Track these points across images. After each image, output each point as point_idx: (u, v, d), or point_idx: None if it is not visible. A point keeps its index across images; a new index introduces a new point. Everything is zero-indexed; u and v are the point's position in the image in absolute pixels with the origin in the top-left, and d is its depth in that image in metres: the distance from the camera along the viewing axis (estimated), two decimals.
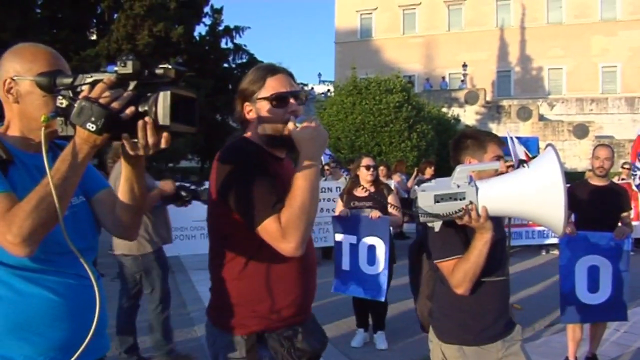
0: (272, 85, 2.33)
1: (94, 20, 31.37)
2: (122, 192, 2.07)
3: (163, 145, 1.76)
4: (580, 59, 46.64)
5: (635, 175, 13.81)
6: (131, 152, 1.80)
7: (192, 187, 5.62)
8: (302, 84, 59.13)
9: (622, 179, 14.26)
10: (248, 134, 2.41)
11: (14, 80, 1.97)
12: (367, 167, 6.54)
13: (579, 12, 47.18)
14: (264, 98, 2.32)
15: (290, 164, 2.51)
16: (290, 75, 2.42)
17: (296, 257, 2.21)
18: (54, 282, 1.96)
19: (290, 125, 2.22)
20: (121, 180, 2.05)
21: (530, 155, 15.40)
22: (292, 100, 2.33)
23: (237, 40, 33.34)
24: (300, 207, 2.12)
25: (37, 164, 1.95)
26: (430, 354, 3.16)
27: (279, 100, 2.31)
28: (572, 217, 5.85)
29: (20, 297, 1.90)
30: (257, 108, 2.35)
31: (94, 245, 2.18)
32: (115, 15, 29.08)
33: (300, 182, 2.15)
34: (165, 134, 1.73)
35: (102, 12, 30.14)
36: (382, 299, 6.28)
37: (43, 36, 22.02)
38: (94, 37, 30.54)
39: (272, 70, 2.39)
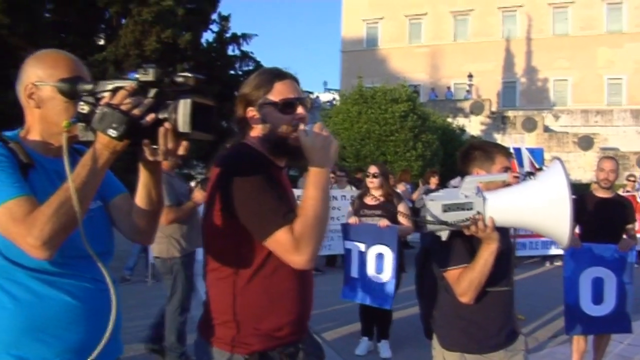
0: (280, 90, 2.24)
1: (102, 26, 31.40)
2: (139, 197, 2.10)
3: (181, 152, 1.78)
4: (585, 71, 46.58)
5: None
6: (150, 158, 1.82)
7: None
8: (307, 92, 58.99)
9: (627, 191, 14.27)
10: (248, 140, 2.30)
11: (35, 85, 2.01)
12: (369, 175, 6.63)
13: (585, 24, 47.17)
14: (271, 103, 2.23)
15: (286, 175, 2.44)
16: (297, 80, 2.33)
17: (298, 271, 2.15)
18: (71, 285, 1.98)
19: (300, 132, 2.13)
20: (139, 186, 2.08)
21: (537, 166, 15.43)
22: (299, 107, 2.25)
23: (244, 48, 33.34)
24: (314, 217, 2.03)
25: (56, 168, 1.98)
26: None
27: (287, 105, 2.23)
28: (577, 229, 5.87)
29: (38, 299, 1.93)
30: (262, 113, 2.24)
31: (110, 250, 2.20)
32: (123, 21, 29.13)
33: (312, 191, 2.07)
34: (184, 142, 1.77)
35: (110, 17, 30.18)
36: (389, 308, 6.30)
37: (51, 41, 22.08)
38: (101, 42, 30.56)
39: (280, 74, 2.29)
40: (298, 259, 2.04)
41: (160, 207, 2.16)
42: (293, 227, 2.03)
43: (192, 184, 5.80)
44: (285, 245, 2.03)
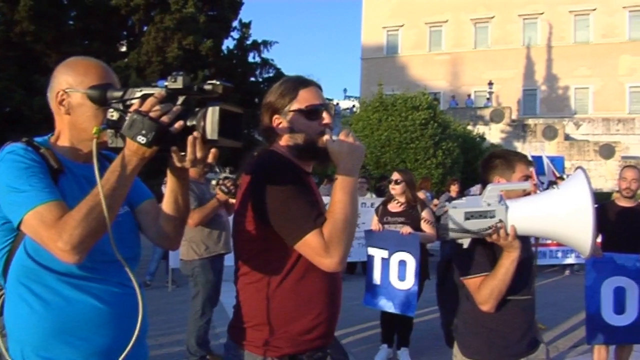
0: (305, 97, 2.28)
1: (125, 33, 31.70)
2: (167, 203, 2.13)
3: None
4: (607, 79, 46.24)
5: None
6: (178, 164, 1.86)
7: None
8: (327, 99, 58.96)
9: None
10: (276, 147, 2.33)
11: (66, 92, 2.04)
12: (391, 182, 6.66)
13: (607, 32, 46.84)
14: (297, 110, 2.27)
15: (313, 180, 2.47)
16: (320, 87, 2.38)
17: (327, 275, 2.19)
18: (99, 289, 2.01)
19: (327, 138, 2.19)
20: (166, 192, 2.12)
21: (557, 175, 15.34)
22: (325, 113, 2.30)
23: (265, 55, 33.48)
24: (343, 220, 2.08)
25: (85, 174, 2.02)
26: None
27: (313, 112, 2.27)
28: (599, 238, 5.84)
29: (67, 302, 1.96)
30: (289, 120, 2.28)
31: (137, 255, 2.22)
32: (146, 28, 29.38)
33: (340, 195, 2.12)
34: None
35: (132, 24, 30.44)
36: (412, 315, 6.30)
37: (75, 47, 22.33)
38: (124, 49, 30.85)
39: (304, 82, 2.34)
40: (328, 262, 2.08)
41: (187, 213, 2.20)
42: (323, 230, 2.07)
43: (213, 182, 5.85)
44: (316, 248, 2.07)
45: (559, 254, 12.69)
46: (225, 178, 5.72)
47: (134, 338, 1.88)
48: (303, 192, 2.18)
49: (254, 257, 2.28)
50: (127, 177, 1.82)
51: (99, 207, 1.76)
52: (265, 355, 2.24)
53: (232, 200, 6.13)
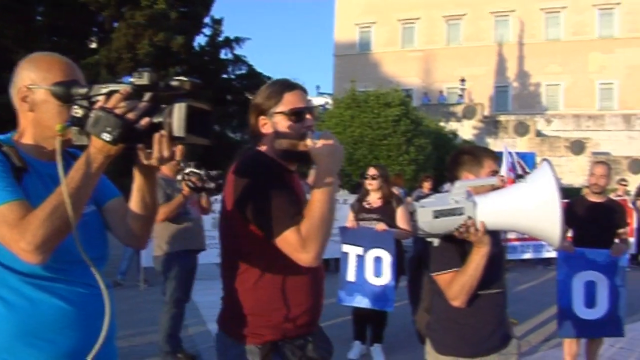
0: (290, 100, 2.39)
1: (95, 29, 31.32)
2: (134, 201, 2.09)
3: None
4: (577, 76, 46.78)
5: None
6: (145, 162, 1.83)
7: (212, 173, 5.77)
8: None
9: (618, 196, 14.35)
10: (263, 148, 2.45)
11: (29, 88, 1.99)
12: (367, 177, 6.64)
13: (577, 29, 47.38)
14: (281, 112, 2.38)
15: (298, 178, 2.57)
16: (305, 91, 2.48)
17: (309, 268, 2.25)
18: (64, 290, 1.96)
19: (309, 141, 2.26)
20: (133, 190, 2.08)
21: (528, 171, 15.48)
22: (308, 116, 2.40)
23: (237, 51, 33.33)
24: (320, 218, 2.16)
25: (50, 172, 1.97)
26: None
27: (296, 115, 2.37)
28: (570, 233, 5.89)
29: (31, 304, 1.91)
30: (273, 122, 2.39)
31: (104, 255, 2.18)
32: (116, 24, 29.08)
33: (320, 195, 2.19)
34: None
35: (102, 20, 30.08)
36: (390, 310, 6.32)
37: (43, 44, 22.08)
38: (94, 46, 30.49)
39: (290, 85, 2.45)
40: (304, 257, 2.17)
41: (155, 211, 2.18)
42: (300, 227, 2.17)
43: (179, 177, 5.79)
44: (294, 244, 2.17)
45: (530, 249, 12.81)
46: (191, 173, 5.68)
47: (100, 339, 1.84)
48: (283, 191, 2.28)
49: (237, 251, 2.41)
50: (92, 175, 1.78)
51: (63, 206, 1.72)
52: (249, 343, 2.37)
53: (203, 202, 6.09)
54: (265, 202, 2.23)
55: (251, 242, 2.32)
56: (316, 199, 2.20)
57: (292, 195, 2.31)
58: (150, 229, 2.24)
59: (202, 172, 5.71)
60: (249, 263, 2.37)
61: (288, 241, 2.18)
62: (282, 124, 2.38)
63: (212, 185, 5.74)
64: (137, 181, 2.04)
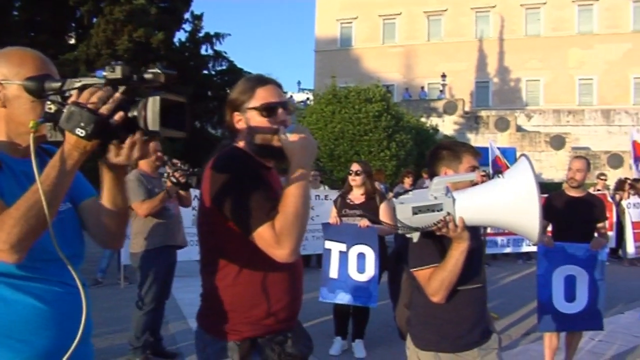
0: (262, 96, 2.36)
1: (73, 25, 31.09)
2: (105, 200, 2.05)
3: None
4: (557, 71, 47.13)
5: None
6: (114, 160, 1.81)
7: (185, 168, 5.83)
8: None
9: (598, 190, 14.45)
10: (239, 144, 2.43)
11: (1, 84, 1.95)
12: (350, 172, 6.61)
13: (557, 25, 47.72)
14: (254, 108, 2.36)
15: (276, 174, 2.56)
16: (279, 86, 2.46)
17: (287, 263, 2.23)
18: (40, 289, 1.93)
19: (281, 135, 2.25)
20: (103, 189, 2.03)
21: (508, 165, 15.58)
22: (281, 111, 2.37)
23: (217, 47, 33.26)
24: (294, 213, 2.15)
25: (24, 169, 1.92)
26: None
27: (268, 110, 2.35)
28: (550, 228, 5.92)
29: (5, 304, 1.87)
30: (246, 118, 2.38)
31: (81, 253, 2.14)
32: (95, 20, 28.88)
33: (293, 190, 2.17)
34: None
35: (81, 16, 29.87)
36: (374, 305, 6.32)
37: (20, 39, 21.83)
38: (72, 42, 30.29)
39: (262, 80, 2.43)
40: (279, 253, 2.16)
41: (126, 210, 2.13)
42: (275, 223, 2.15)
43: (163, 173, 5.82)
44: (268, 240, 2.15)
45: (510, 243, 12.88)
46: (175, 169, 5.70)
47: (77, 339, 1.81)
48: (260, 187, 2.26)
49: (215, 248, 2.40)
50: (67, 172, 1.74)
51: (38, 204, 1.69)
52: (228, 339, 2.36)
53: (183, 193, 6.07)
54: (242, 198, 2.21)
55: (229, 238, 2.31)
56: (290, 193, 2.18)
57: (269, 191, 2.28)
58: (124, 227, 2.20)
59: (185, 168, 5.74)
60: (227, 259, 2.36)
61: (263, 237, 2.16)
62: (255, 119, 2.36)
63: (194, 180, 5.77)
64: (106, 180, 1.99)
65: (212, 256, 2.42)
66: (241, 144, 2.43)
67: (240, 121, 2.40)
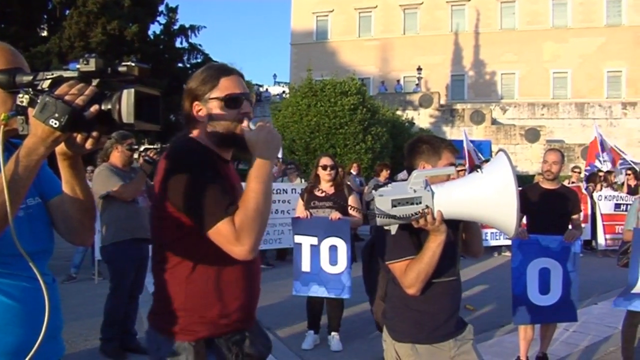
0: (226, 86, 2.30)
1: (45, 16, 30.68)
2: (67, 197, 2.01)
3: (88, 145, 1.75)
4: (532, 65, 47.50)
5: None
6: (72, 151, 1.79)
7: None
8: (257, 84, 58.77)
9: (572, 182, 14.60)
10: (195, 134, 2.36)
11: None
12: (324, 167, 6.54)
13: (531, 19, 48.08)
14: (217, 98, 2.29)
15: (234, 168, 2.49)
16: (242, 76, 2.40)
17: (244, 261, 2.17)
18: (7, 285, 1.89)
19: (244, 126, 2.21)
20: (63, 185, 1.99)
21: (483, 159, 15.68)
22: (245, 102, 2.32)
23: (192, 40, 33.10)
24: (255, 209, 2.08)
25: None
26: (384, 354, 3.20)
27: (232, 100, 2.29)
28: (524, 220, 5.95)
29: None
30: (208, 107, 2.30)
31: (49, 248, 2.11)
32: (67, 12, 28.52)
33: (254, 184, 2.12)
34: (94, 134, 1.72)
35: (53, 7, 29.50)
36: (348, 297, 6.34)
37: None
38: (44, 34, 29.89)
39: (226, 70, 2.36)
40: (238, 250, 2.08)
41: (90, 205, 2.09)
42: (234, 219, 2.08)
43: (135, 155, 5.84)
44: (227, 236, 2.07)
45: (487, 236, 12.94)
46: (146, 149, 5.76)
47: (41, 336, 1.76)
48: (216, 180, 2.18)
49: (169, 244, 2.30)
50: (32, 167, 1.70)
51: (0, 198, 1.65)
52: (182, 340, 2.27)
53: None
54: (197, 192, 2.13)
55: (182, 234, 2.23)
56: (251, 188, 2.11)
57: (226, 185, 2.21)
58: (92, 222, 2.15)
59: (157, 146, 5.76)
60: (180, 256, 2.27)
61: (221, 233, 2.08)
62: (218, 109, 2.29)
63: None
64: (63, 169, 1.94)
65: (164, 252, 2.32)
66: (197, 134, 2.35)
67: (200, 111, 2.32)
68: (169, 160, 2.27)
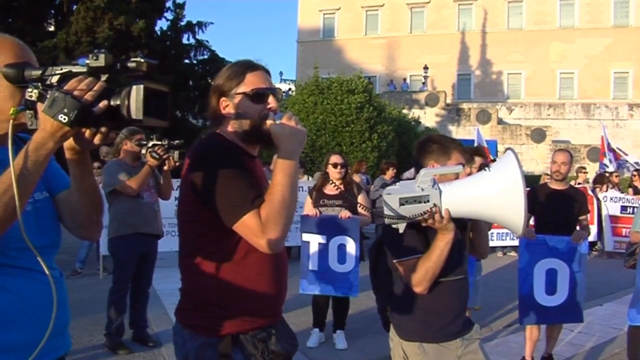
0: (252, 81, 2.32)
1: (52, 11, 30.65)
2: (75, 192, 2.00)
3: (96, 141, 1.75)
4: (538, 65, 47.43)
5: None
6: (78, 146, 1.78)
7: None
8: None
9: (578, 183, 14.56)
10: (222, 130, 2.37)
11: None
12: (335, 165, 6.48)
13: (539, 19, 47.99)
14: (243, 93, 2.30)
15: (260, 164, 2.51)
16: (268, 72, 2.41)
17: (271, 256, 2.19)
18: (13, 280, 1.88)
19: (270, 121, 2.21)
20: (71, 180, 1.98)
21: (491, 158, 15.65)
22: (271, 97, 2.33)
23: (199, 36, 32.97)
24: (281, 201, 2.09)
25: (1, 158, 1.86)
26: (391, 353, 3.20)
27: (258, 96, 2.30)
28: (532, 221, 5.93)
29: None
30: (234, 103, 2.32)
31: (57, 242, 2.09)
32: (75, 7, 28.49)
33: (280, 177, 2.13)
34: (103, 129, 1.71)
35: (61, 2, 29.45)
36: (355, 295, 6.34)
37: None
38: (51, 29, 29.85)
39: (252, 66, 2.38)
40: (264, 242, 2.09)
41: (98, 199, 2.08)
42: (260, 212, 2.10)
43: (143, 151, 5.84)
44: (253, 229, 2.10)
45: (494, 237, 12.90)
46: (154, 145, 5.74)
47: (47, 332, 1.76)
48: (242, 174, 2.20)
49: (196, 239, 2.32)
50: (40, 162, 1.69)
51: (9, 192, 1.64)
52: (207, 335, 2.28)
53: (165, 167, 6.04)
54: (223, 186, 2.15)
55: (210, 229, 2.24)
56: (277, 182, 2.13)
57: (252, 179, 2.22)
58: (99, 216, 2.14)
59: (164, 143, 5.75)
60: (208, 251, 2.28)
61: (247, 226, 2.10)
62: (244, 105, 2.30)
63: (176, 153, 5.77)
64: (72, 170, 1.94)
65: (191, 248, 2.33)
66: (223, 130, 2.36)
67: (227, 106, 2.34)
68: (195, 155, 2.30)
